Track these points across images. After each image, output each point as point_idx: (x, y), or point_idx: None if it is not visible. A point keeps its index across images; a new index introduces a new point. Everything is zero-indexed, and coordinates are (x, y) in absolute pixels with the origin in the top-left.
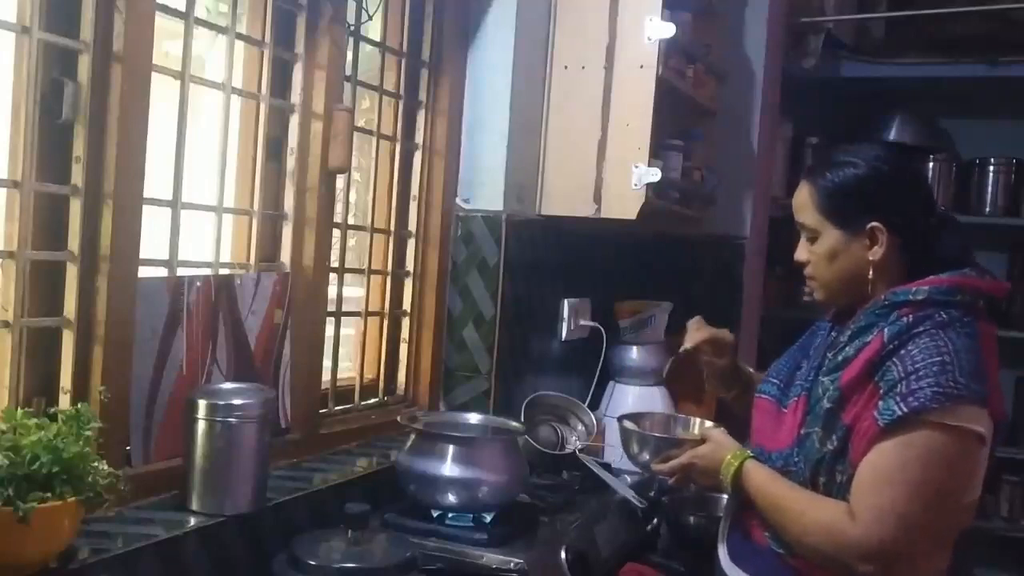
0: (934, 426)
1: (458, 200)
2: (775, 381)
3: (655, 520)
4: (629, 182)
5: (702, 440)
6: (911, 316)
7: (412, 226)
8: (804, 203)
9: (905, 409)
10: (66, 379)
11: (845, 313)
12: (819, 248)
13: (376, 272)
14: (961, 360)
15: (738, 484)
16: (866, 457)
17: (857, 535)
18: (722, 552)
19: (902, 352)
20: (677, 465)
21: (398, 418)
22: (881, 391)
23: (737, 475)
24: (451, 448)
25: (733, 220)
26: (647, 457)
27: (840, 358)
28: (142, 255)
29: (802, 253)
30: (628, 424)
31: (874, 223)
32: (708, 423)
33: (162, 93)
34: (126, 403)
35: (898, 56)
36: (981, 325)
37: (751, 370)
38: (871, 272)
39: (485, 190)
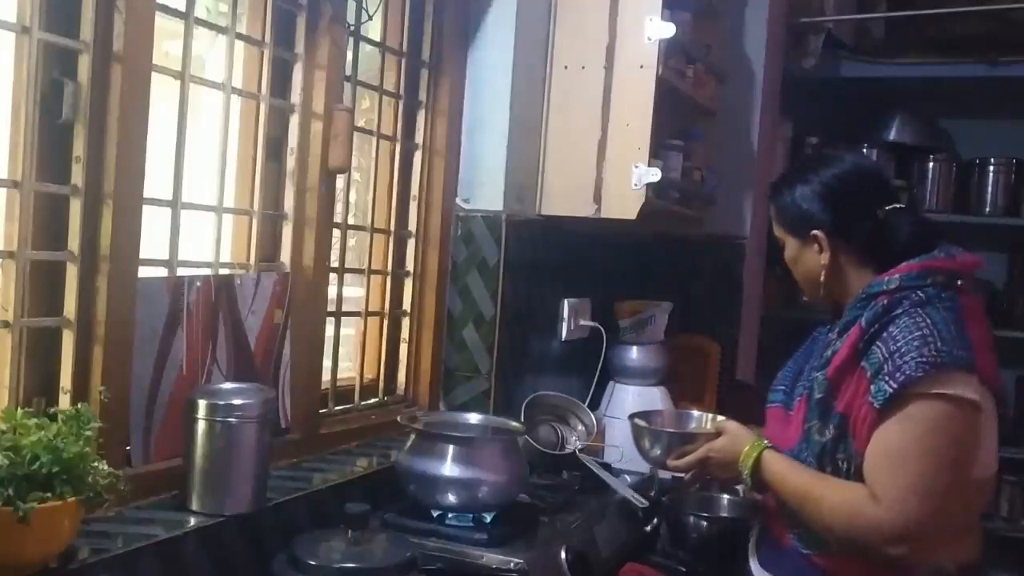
0: (926, 397)
1: (458, 200)
2: (781, 388)
3: (655, 520)
4: (629, 182)
5: (717, 434)
6: (887, 299)
7: (412, 226)
8: (772, 217)
9: (895, 385)
10: (66, 379)
11: (839, 312)
12: (787, 255)
13: (376, 272)
14: (940, 331)
15: (757, 475)
16: (872, 440)
17: (883, 517)
18: (754, 564)
19: (884, 335)
20: (694, 460)
21: (398, 418)
22: (869, 375)
23: (756, 466)
24: (451, 448)
25: (733, 220)
26: (660, 454)
27: (830, 352)
28: (142, 255)
29: (784, 259)
30: (639, 421)
31: (815, 231)
32: (720, 417)
33: (162, 93)
34: (126, 403)
35: (898, 56)
36: (963, 299)
37: None
38: (823, 275)
39: (485, 190)
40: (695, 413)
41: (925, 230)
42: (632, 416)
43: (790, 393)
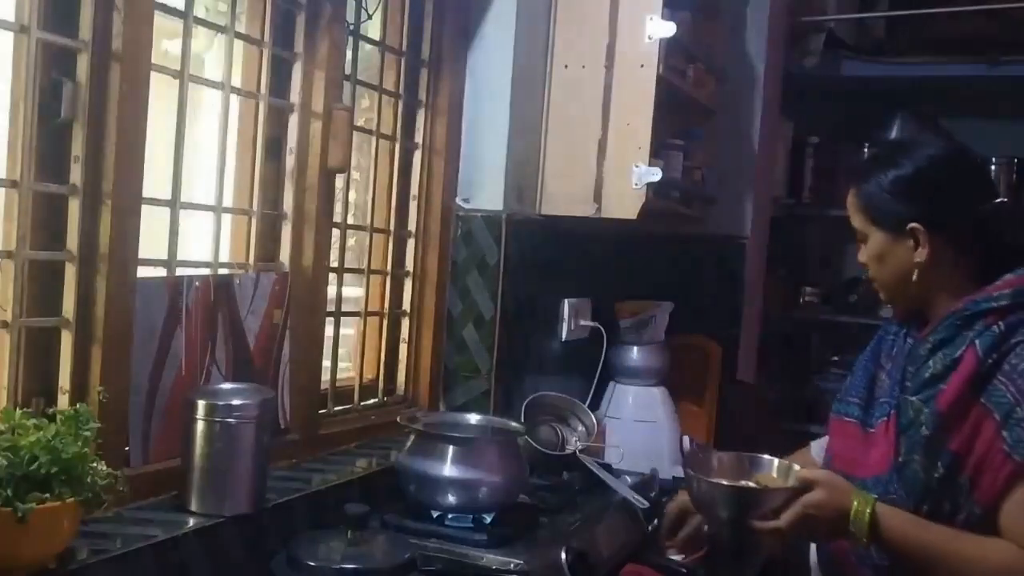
0: None
1: (458, 200)
2: (855, 400)
3: (655, 520)
4: (629, 182)
5: (805, 487)
6: (1001, 324)
7: (412, 226)
8: (851, 206)
9: None
10: (65, 379)
11: (915, 316)
12: (869, 251)
13: (376, 272)
14: None
15: (877, 534)
16: (1015, 496)
17: None
18: None
19: (1006, 367)
20: (793, 518)
21: (398, 418)
22: (997, 416)
23: (874, 523)
24: (451, 449)
25: (733, 220)
26: (729, 514)
27: (927, 375)
28: (141, 255)
29: (861, 256)
30: (694, 473)
31: (913, 224)
32: (796, 465)
33: (161, 92)
34: (125, 403)
35: (899, 55)
36: None
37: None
38: (915, 274)
39: (485, 190)
40: (764, 458)
41: None
42: (687, 467)
43: (867, 408)
